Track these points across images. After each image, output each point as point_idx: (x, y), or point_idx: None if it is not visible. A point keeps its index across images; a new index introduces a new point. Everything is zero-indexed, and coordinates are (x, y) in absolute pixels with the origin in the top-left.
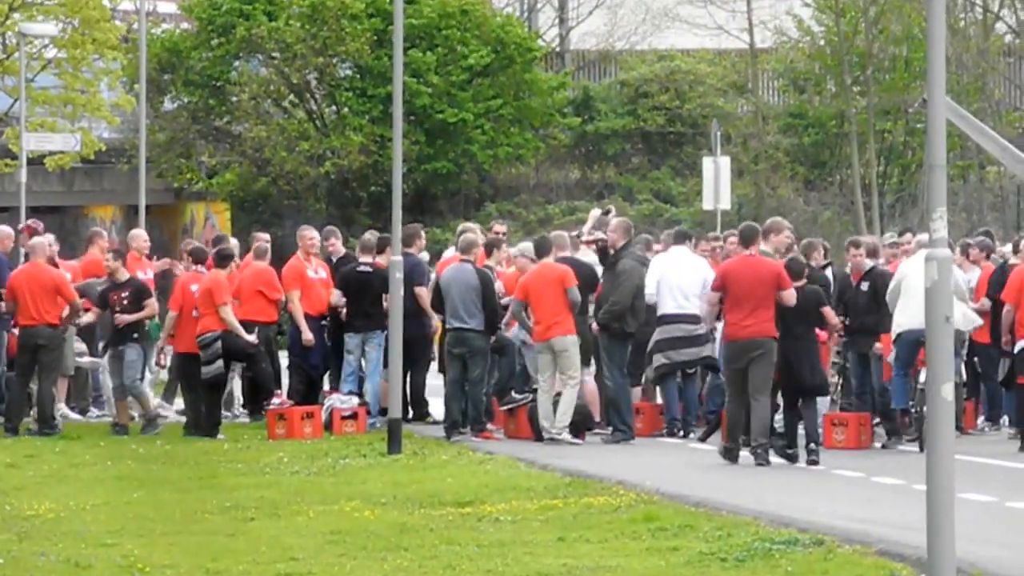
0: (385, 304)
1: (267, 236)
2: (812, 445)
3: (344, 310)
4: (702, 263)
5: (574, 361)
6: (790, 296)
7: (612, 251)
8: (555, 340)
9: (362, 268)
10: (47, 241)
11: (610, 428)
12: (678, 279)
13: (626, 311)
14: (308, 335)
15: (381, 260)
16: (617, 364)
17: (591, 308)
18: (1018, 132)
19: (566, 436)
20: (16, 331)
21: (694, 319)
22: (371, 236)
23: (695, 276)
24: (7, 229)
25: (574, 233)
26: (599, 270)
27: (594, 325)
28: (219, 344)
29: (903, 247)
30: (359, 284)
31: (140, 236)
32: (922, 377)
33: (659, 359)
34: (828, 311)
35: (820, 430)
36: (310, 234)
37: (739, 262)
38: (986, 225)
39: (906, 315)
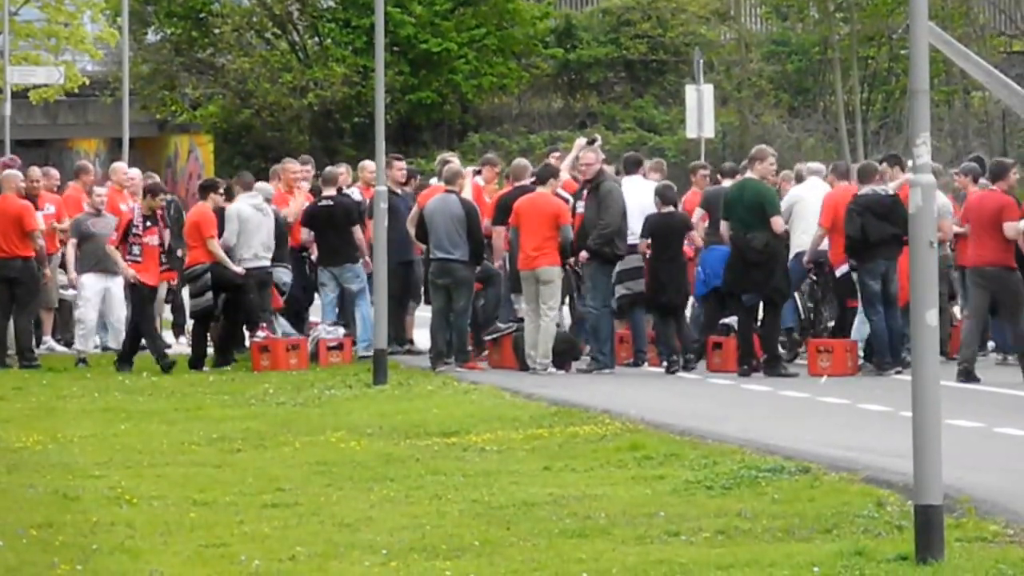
0: (357, 236)
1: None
2: (689, 355)
3: (314, 246)
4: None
5: (555, 292)
6: (1009, 228)
7: (590, 177)
8: (542, 270)
9: (324, 202)
10: (17, 174)
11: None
12: (637, 209)
13: (616, 233)
14: (238, 269)
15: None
16: (601, 292)
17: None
18: (1002, 57)
19: (550, 369)
20: None
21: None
22: (333, 168)
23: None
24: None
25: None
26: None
27: (582, 254)
28: (208, 276)
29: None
30: (323, 218)
31: (121, 169)
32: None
33: (619, 290)
34: (692, 234)
35: (804, 354)
36: (294, 167)
37: (978, 196)
38: (972, 150)
39: (804, 237)
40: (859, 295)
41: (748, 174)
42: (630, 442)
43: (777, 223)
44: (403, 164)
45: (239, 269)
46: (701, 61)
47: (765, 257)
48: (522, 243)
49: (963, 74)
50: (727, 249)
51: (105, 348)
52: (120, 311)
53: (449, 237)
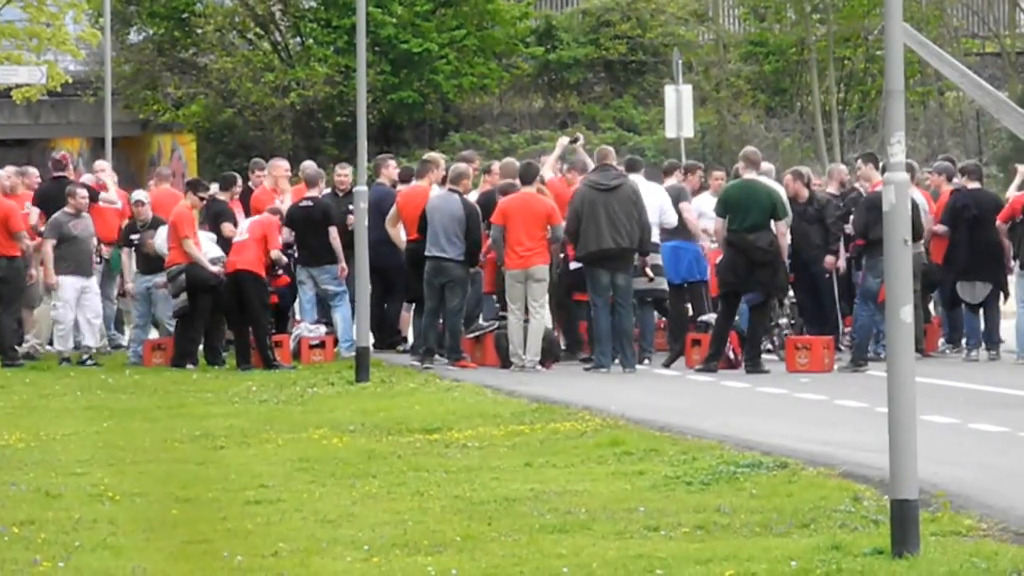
0: (333, 238)
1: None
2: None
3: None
4: (657, 190)
5: (546, 290)
6: None
7: None
8: (535, 269)
9: (304, 203)
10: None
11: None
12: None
13: (568, 235)
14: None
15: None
16: (588, 291)
17: None
18: (975, 58)
19: (537, 368)
20: None
21: (653, 248)
22: (311, 169)
23: (652, 204)
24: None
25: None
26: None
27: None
28: (183, 277)
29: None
30: (301, 219)
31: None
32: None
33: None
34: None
35: (783, 352)
36: (285, 166)
37: None
38: (946, 150)
39: None
40: (857, 290)
41: (750, 176)
42: (610, 438)
43: (783, 227)
44: (394, 163)
45: (216, 269)
46: (680, 62)
47: (770, 256)
48: (511, 243)
49: (938, 75)
50: (688, 246)
51: (79, 346)
52: (97, 309)
53: (447, 236)
